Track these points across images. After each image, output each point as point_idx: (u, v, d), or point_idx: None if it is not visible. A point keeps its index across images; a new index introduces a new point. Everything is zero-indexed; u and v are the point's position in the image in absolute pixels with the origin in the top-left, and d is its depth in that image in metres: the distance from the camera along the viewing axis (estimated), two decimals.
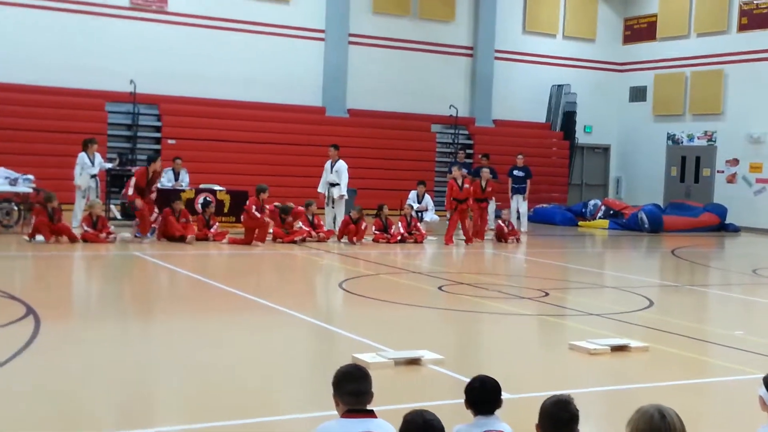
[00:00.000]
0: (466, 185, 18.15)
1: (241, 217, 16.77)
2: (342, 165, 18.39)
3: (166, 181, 17.97)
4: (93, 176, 17.20)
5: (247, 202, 16.58)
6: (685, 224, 24.06)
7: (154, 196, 16.08)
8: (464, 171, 19.79)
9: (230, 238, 16.50)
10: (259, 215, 16.25)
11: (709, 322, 11.13)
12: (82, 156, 17.36)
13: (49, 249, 14.49)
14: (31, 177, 16.87)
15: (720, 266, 18.10)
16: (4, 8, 21.61)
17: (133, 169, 17.44)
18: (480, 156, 22.87)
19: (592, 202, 25.51)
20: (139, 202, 15.77)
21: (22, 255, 14.23)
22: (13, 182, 16.55)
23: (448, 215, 18.56)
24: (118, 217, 18.16)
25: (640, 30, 29.75)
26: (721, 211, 25.05)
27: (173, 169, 18.63)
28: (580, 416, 3.67)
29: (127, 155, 21.14)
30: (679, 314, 11.03)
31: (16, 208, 16.81)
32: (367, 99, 25.95)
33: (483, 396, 4.02)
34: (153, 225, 16.41)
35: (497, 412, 4.07)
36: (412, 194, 20.32)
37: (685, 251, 19.09)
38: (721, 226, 24.76)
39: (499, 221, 19.14)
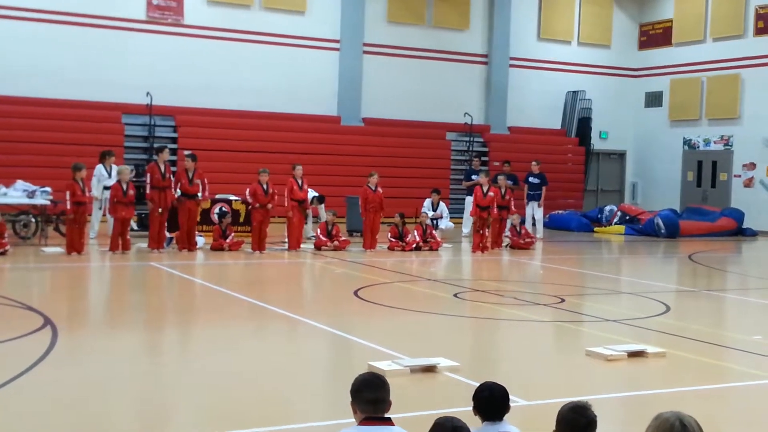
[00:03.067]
0: (491, 193, 18.08)
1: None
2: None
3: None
4: (108, 188, 17.29)
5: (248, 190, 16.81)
6: (701, 229, 23.94)
7: (175, 191, 16.19)
8: (509, 182, 19.83)
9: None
10: (251, 200, 16.51)
11: (726, 327, 11.07)
12: (99, 168, 17.48)
13: (66, 260, 14.59)
14: (48, 189, 16.99)
15: (737, 271, 17.99)
16: (21, 23, 21.80)
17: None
18: (502, 163, 22.74)
19: (608, 208, 25.42)
20: (150, 205, 15.91)
21: (39, 266, 14.33)
22: (31, 195, 16.68)
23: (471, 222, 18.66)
24: (135, 227, 18.24)
25: (656, 35, 29.67)
26: (739, 216, 24.91)
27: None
28: (597, 422, 3.66)
29: (143, 167, 21.25)
30: (696, 319, 10.98)
31: (33, 220, 16.95)
32: (382, 108, 25.99)
33: (492, 403, 4.03)
34: (171, 236, 16.50)
35: (505, 417, 4.07)
36: (427, 202, 20.33)
37: (702, 256, 18.99)
38: (738, 231, 24.63)
39: (513, 227, 19.05)
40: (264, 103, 24.40)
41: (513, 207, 19.42)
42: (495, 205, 18.01)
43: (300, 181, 17.19)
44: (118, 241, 15.49)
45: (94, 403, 6.36)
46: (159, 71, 23.09)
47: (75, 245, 15.02)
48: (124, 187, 15.73)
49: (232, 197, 18.95)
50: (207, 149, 21.99)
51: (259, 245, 16.42)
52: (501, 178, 19.26)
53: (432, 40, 26.84)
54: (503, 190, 18.78)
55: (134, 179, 18.71)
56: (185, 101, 23.35)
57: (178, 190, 16.50)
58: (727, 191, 27.19)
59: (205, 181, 16.62)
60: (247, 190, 16.80)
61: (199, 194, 16.46)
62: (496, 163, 25.77)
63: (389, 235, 17.97)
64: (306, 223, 18.34)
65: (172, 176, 16.60)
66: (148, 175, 16.17)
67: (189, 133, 22.99)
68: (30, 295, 11.54)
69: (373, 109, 25.93)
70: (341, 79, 25.53)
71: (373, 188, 17.86)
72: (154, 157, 16.94)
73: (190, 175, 16.40)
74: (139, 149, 22.65)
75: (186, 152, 17.66)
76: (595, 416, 3.65)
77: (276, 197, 16.88)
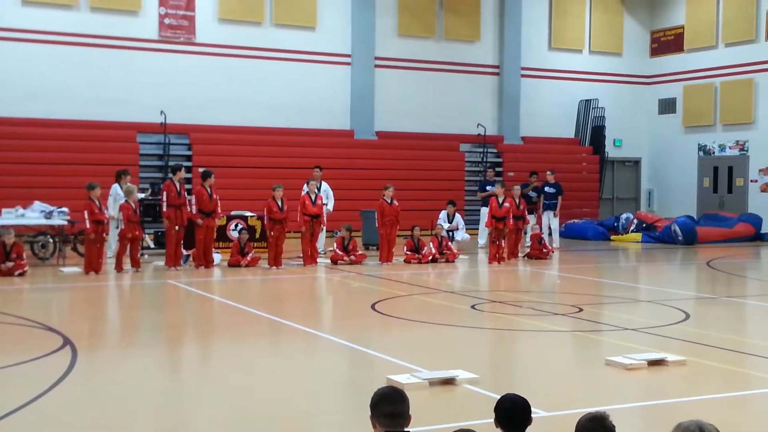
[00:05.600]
0: (506, 204, 18.05)
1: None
2: (327, 186, 18.83)
3: None
4: None
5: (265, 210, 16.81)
6: (719, 235, 23.80)
7: (192, 209, 16.19)
8: (534, 194, 19.80)
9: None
10: (267, 221, 16.54)
11: (747, 334, 10.99)
12: (115, 187, 17.56)
13: (84, 280, 14.65)
14: (65, 210, 17.08)
15: (757, 276, 17.87)
16: (35, 45, 22.01)
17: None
18: (529, 174, 22.43)
19: (624, 216, 25.32)
20: (166, 222, 15.95)
21: (58, 287, 14.40)
22: (48, 215, 16.78)
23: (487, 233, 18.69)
24: (152, 246, 18.33)
25: (667, 42, 29.62)
26: (756, 221, 24.76)
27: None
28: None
29: (159, 185, 21.32)
30: (716, 327, 10.91)
31: (51, 240, 17.05)
32: (394, 121, 26.05)
33: (513, 415, 4.01)
34: (187, 253, 16.54)
35: (527, 429, 4.05)
36: (443, 214, 20.32)
37: (721, 262, 18.88)
38: (756, 236, 24.47)
39: (537, 234, 19.14)
40: (277, 119, 24.49)
41: (527, 217, 19.39)
42: (510, 216, 17.99)
43: (313, 197, 17.22)
44: (123, 260, 15.57)
45: (115, 422, 6.37)
46: (172, 90, 23.24)
47: (93, 265, 15.09)
48: (134, 206, 15.83)
49: (248, 213, 19.00)
50: (222, 166, 22.06)
51: (275, 261, 16.46)
52: (516, 189, 19.14)
53: (443, 52, 26.89)
54: (518, 200, 18.71)
55: (150, 198, 18.80)
56: (199, 119, 23.49)
57: (193, 208, 16.43)
58: (743, 197, 27.05)
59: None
60: (265, 209, 16.79)
61: (218, 209, 16.54)
62: (511, 174, 25.76)
63: (405, 247, 17.96)
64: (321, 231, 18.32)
65: (187, 194, 16.66)
66: (165, 193, 16.23)
67: (203, 150, 23.09)
68: (49, 315, 11.60)
69: (386, 123, 25.98)
70: (353, 93, 25.61)
71: (389, 201, 17.86)
72: (170, 175, 17.02)
73: (209, 191, 16.45)
74: (154, 168, 22.77)
75: (201, 169, 17.72)
76: (614, 426, 3.64)
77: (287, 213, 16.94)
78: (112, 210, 17.17)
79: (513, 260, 18.28)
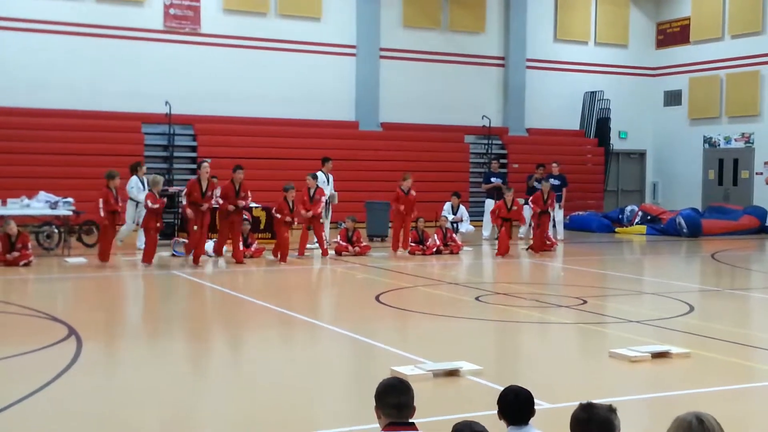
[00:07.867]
0: (515, 207, 18.07)
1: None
2: (331, 178, 18.92)
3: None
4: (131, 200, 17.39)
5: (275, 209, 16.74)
6: (724, 228, 23.77)
7: (213, 203, 15.89)
8: (557, 182, 19.98)
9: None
10: (279, 216, 16.42)
11: (751, 327, 10.99)
12: (136, 180, 17.48)
13: (89, 270, 14.68)
14: (70, 200, 17.11)
15: (761, 269, 17.84)
16: (40, 35, 22.01)
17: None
18: (549, 164, 22.27)
19: (628, 208, 25.28)
20: (189, 212, 15.52)
21: (63, 277, 14.43)
22: (54, 206, 16.81)
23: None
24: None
25: (673, 34, 29.53)
26: (761, 214, 24.72)
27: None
28: (618, 423, 3.62)
29: (163, 176, 21.34)
30: (720, 319, 10.91)
31: (56, 230, 17.09)
32: (399, 112, 26.01)
33: (517, 406, 4.01)
34: (182, 240, 16.51)
35: (531, 421, 4.05)
36: (447, 205, 20.32)
37: (726, 255, 18.86)
38: (761, 229, 24.43)
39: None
40: (282, 110, 24.48)
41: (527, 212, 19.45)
42: (522, 214, 18.12)
43: (312, 192, 17.07)
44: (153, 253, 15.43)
45: (119, 413, 6.40)
46: (177, 80, 23.23)
47: (107, 254, 15.05)
48: (157, 197, 15.72)
49: (253, 204, 18.98)
50: (226, 157, 22.04)
51: (299, 251, 16.63)
52: (545, 183, 18.84)
53: (448, 44, 26.84)
54: (545, 195, 18.47)
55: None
56: (204, 110, 23.49)
57: (219, 200, 16.05)
58: (749, 189, 27.00)
59: (248, 192, 16.50)
60: (274, 209, 16.75)
61: (241, 203, 16.18)
62: (515, 165, 25.78)
63: (410, 239, 17.96)
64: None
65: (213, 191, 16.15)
66: (188, 193, 15.85)
67: (208, 141, 23.09)
68: (54, 305, 11.62)
69: (391, 114, 25.96)
70: (358, 84, 25.58)
71: (406, 191, 17.85)
72: (174, 165, 16.93)
73: (237, 186, 16.25)
74: (158, 158, 22.78)
75: (211, 161, 17.64)
76: (608, 415, 3.54)
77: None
78: (140, 196, 16.78)
79: (539, 253, 18.00)
